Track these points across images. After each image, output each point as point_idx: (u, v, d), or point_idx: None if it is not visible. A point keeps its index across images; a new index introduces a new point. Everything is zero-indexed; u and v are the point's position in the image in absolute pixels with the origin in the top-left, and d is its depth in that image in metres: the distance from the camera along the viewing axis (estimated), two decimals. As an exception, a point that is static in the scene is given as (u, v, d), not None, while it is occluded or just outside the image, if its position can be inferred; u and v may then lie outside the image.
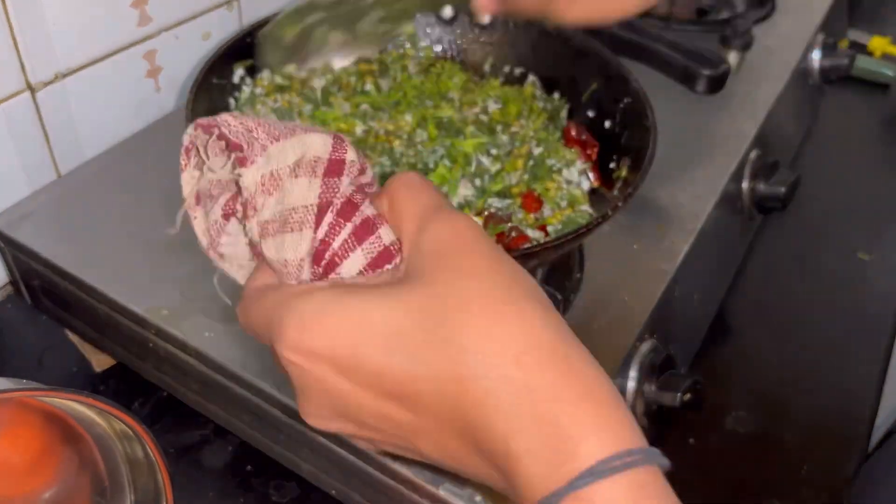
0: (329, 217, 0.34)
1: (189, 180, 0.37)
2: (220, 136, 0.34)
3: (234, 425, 0.61)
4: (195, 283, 0.60)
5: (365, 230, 0.34)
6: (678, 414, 0.61)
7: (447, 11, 0.73)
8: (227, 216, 0.36)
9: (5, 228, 0.65)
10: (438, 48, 0.74)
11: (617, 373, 0.58)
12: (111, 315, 0.61)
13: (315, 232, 0.34)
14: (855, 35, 1.20)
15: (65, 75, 0.69)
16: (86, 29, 0.69)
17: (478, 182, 0.60)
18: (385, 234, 0.35)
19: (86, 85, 0.71)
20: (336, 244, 0.34)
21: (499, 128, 0.65)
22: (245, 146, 0.34)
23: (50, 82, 0.68)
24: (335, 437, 0.53)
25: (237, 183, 0.35)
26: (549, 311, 0.31)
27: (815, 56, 1.01)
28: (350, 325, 0.31)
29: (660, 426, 0.64)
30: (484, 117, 0.66)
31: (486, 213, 0.58)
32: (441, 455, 0.32)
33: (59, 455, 0.49)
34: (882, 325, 0.79)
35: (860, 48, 1.18)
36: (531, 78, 0.70)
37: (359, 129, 0.63)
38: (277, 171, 0.34)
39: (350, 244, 0.34)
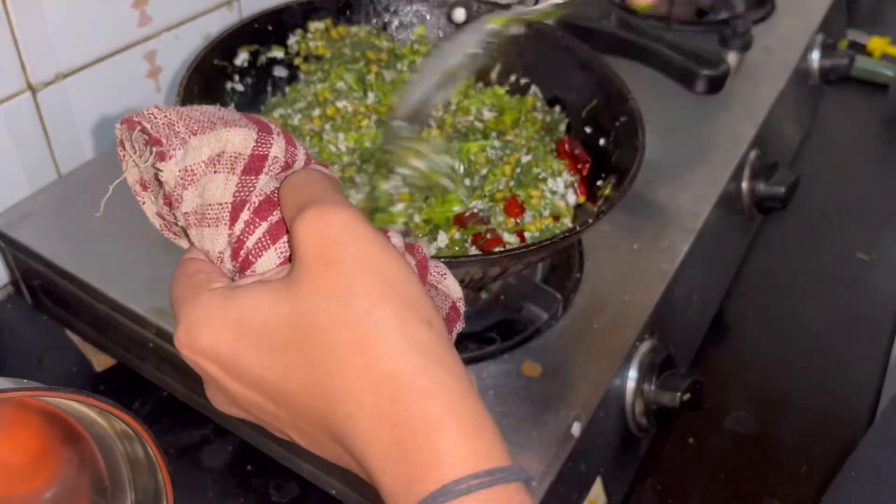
0: (245, 215, 0.35)
1: (131, 169, 0.37)
2: (143, 131, 0.35)
3: (234, 425, 0.61)
4: (195, 283, 0.61)
5: (280, 229, 0.35)
6: (678, 414, 0.61)
7: (459, 15, 0.73)
8: (167, 205, 0.36)
9: (5, 228, 0.65)
10: None
11: (617, 373, 0.58)
12: (111, 315, 0.61)
13: (231, 228, 0.35)
14: (854, 35, 1.20)
15: (65, 75, 0.69)
16: (86, 29, 0.69)
17: (468, 182, 0.61)
18: None
19: (86, 85, 0.71)
20: (250, 243, 0.34)
21: (493, 134, 0.65)
22: (164, 140, 0.34)
23: (50, 82, 0.68)
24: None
25: (156, 177, 0.35)
26: (417, 332, 0.31)
27: (815, 56, 1.01)
28: (230, 333, 0.32)
29: (660, 426, 0.64)
30: (479, 124, 0.66)
31: (467, 212, 0.58)
32: (321, 452, 0.34)
33: (59, 455, 0.49)
34: (882, 325, 0.79)
35: (860, 48, 1.18)
36: (533, 89, 0.70)
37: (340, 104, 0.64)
38: (192, 166, 0.34)
39: (264, 243, 0.35)
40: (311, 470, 0.58)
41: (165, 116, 0.35)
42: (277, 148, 0.36)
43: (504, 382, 0.56)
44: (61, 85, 0.69)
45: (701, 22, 1.00)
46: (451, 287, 0.38)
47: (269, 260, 0.35)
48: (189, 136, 0.34)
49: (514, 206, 0.59)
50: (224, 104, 0.64)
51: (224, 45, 0.63)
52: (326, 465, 0.56)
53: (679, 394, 0.59)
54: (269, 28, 0.67)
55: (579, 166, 0.64)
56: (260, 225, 0.34)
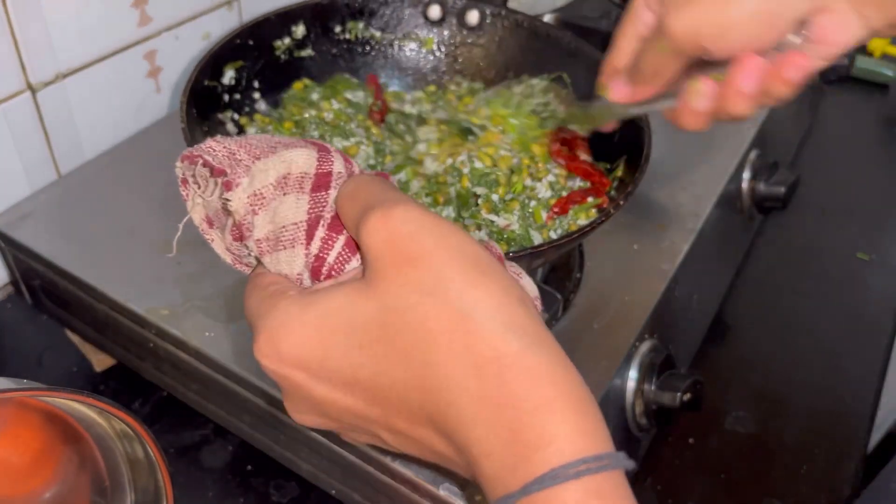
0: (321, 232, 0.34)
1: (196, 208, 0.37)
2: (205, 164, 0.34)
3: (234, 425, 0.61)
4: (195, 283, 0.61)
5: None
6: (678, 414, 0.61)
7: (434, 12, 0.73)
8: (235, 239, 0.36)
9: (5, 228, 0.65)
10: (426, 50, 0.74)
11: (617, 373, 0.58)
12: (111, 315, 0.61)
13: (308, 247, 0.34)
14: (855, 35, 1.20)
15: (65, 75, 0.69)
16: (86, 29, 0.69)
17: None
18: None
19: (86, 85, 0.71)
20: (331, 258, 0.34)
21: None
22: (228, 170, 0.34)
23: (50, 82, 0.68)
24: (335, 437, 0.53)
25: (225, 207, 0.35)
26: (513, 313, 0.30)
27: (815, 56, 1.01)
28: (315, 337, 0.32)
29: (660, 426, 0.64)
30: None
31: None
32: (420, 451, 0.33)
33: (59, 455, 0.49)
34: (882, 325, 0.79)
35: (860, 48, 1.18)
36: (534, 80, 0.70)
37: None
38: (261, 189, 0.34)
39: (345, 256, 0.34)
40: (311, 470, 0.58)
41: (225, 147, 0.35)
42: (339, 164, 0.36)
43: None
44: (61, 85, 0.69)
45: (701, 22, 0.99)
46: (528, 287, 0.38)
47: (353, 271, 0.35)
48: (252, 162, 0.34)
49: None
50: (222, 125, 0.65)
51: (212, 64, 0.63)
52: (327, 465, 0.56)
53: (679, 394, 0.59)
54: (251, 43, 0.67)
55: (575, 164, 0.64)
56: (337, 239, 0.34)
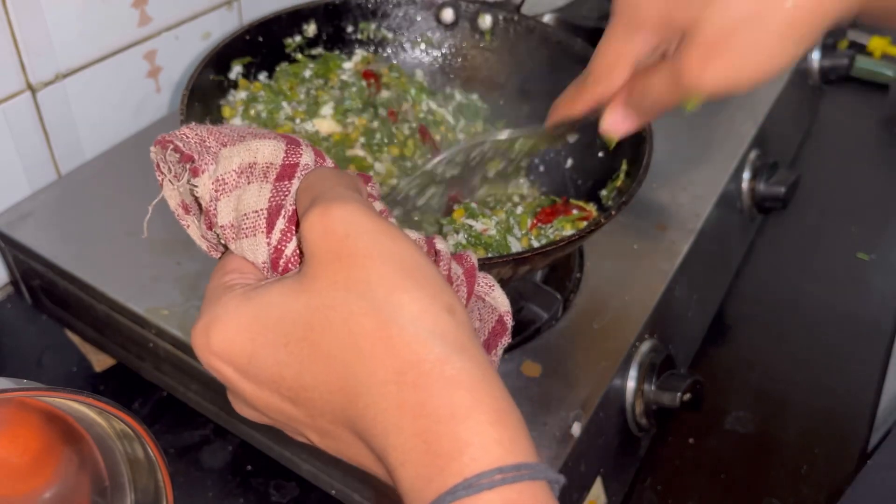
0: (281, 223, 0.34)
1: (171, 193, 0.37)
2: (176, 149, 0.35)
3: (235, 425, 0.61)
4: (195, 283, 0.61)
5: None
6: (678, 414, 0.61)
7: (447, 16, 0.73)
8: (207, 227, 0.36)
9: (5, 228, 0.65)
10: (438, 53, 0.74)
11: (617, 373, 0.58)
12: (111, 315, 0.61)
13: (269, 237, 0.34)
14: (855, 35, 1.20)
15: (65, 75, 0.69)
16: (86, 29, 0.69)
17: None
18: None
19: (86, 85, 0.71)
20: (288, 251, 0.34)
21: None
22: (196, 156, 0.34)
23: (50, 82, 0.68)
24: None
25: (193, 194, 0.35)
26: (438, 320, 0.30)
27: (815, 56, 1.01)
28: (245, 334, 0.32)
29: (660, 426, 0.64)
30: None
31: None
32: (340, 452, 0.33)
33: (59, 455, 0.49)
34: (882, 325, 0.79)
35: (860, 48, 1.18)
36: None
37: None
38: (223, 175, 0.34)
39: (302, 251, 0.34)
40: (311, 470, 0.58)
41: (196, 134, 0.35)
42: (307, 157, 0.36)
43: (504, 383, 0.56)
44: (61, 85, 0.69)
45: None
46: (499, 299, 0.38)
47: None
48: (219, 149, 0.35)
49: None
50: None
51: (217, 59, 0.63)
52: (326, 466, 0.56)
53: (679, 394, 0.59)
54: (260, 39, 0.67)
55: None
56: (296, 233, 0.34)
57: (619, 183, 0.61)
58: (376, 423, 0.29)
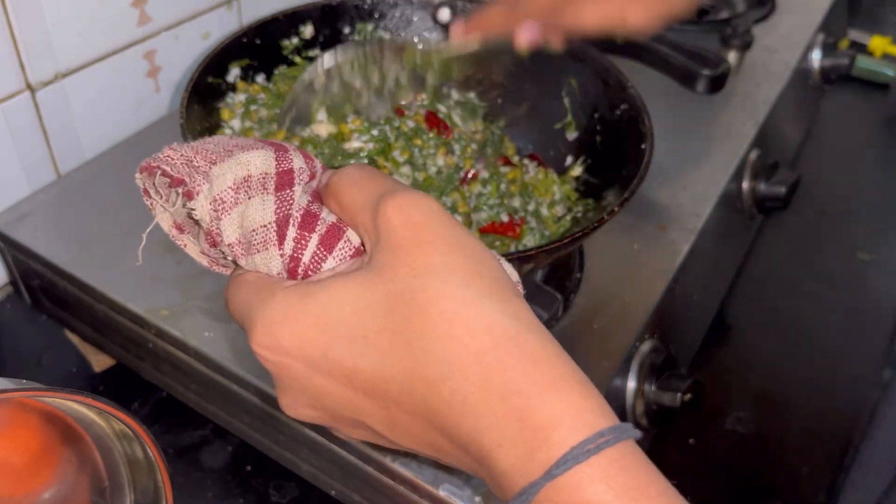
0: (292, 231, 0.34)
1: (163, 216, 0.37)
2: (164, 174, 0.34)
3: (234, 425, 0.61)
4: (195, 283, 0.61)
5: (332, 237, 0.34)
6: (678, 414, 0.61)
7: (444, 15, 0.73)
8: (210, 245, 0.36)
9: (5, 228, 0.65)
10: None
11: (617, 373, 0.58)
12: (111, 315, 0.61)
13: (281, 248, 0.34)
14: (855, 35, 1.20)
15: (65, 75, 0.69)
16: (86, 29, 0.69)
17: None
18: (353, 237, 0.34)
19: (86, 85, 0.71)
20: (306, 258, 0.34)
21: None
22: (187, 178, 0.34)
23: (50, 82, 0.68)
24: (335, 437, 0.53)
25: (191, 216, 0.35)
26: (509, 302, 0.31)
27: (815, 56, 1.01)
28: (316, 327, 0.32)
29: (660, 426, 0.64)
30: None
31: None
32: (418, 446, 0.33)
33: (58, 455, 0.49)
34: (882, 325, 0.79)
35: (860, 48, 1.18)
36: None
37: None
38: (220, 194, 0.34)
39: (320, 255, 0.34)
40: (311, 470, 0.58)
41: (182, 155, 0.34)
42: (298, 160, 0.35)
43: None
44: (60, 85, 0.69)
45: (701, 21, 1.00)
46: (509, 270, 0.38)
47: (330, 269, 0.34)
48: (209, 168, 0.34)
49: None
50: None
51: (216, 62, 0.63)
52: (326, 466, 0.56)
53: (680, 394, 0.59)
54: (258, 41, 0.67)
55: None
56: (311, 238, 0.34)
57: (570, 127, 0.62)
58: (465, 408, 0.30)
